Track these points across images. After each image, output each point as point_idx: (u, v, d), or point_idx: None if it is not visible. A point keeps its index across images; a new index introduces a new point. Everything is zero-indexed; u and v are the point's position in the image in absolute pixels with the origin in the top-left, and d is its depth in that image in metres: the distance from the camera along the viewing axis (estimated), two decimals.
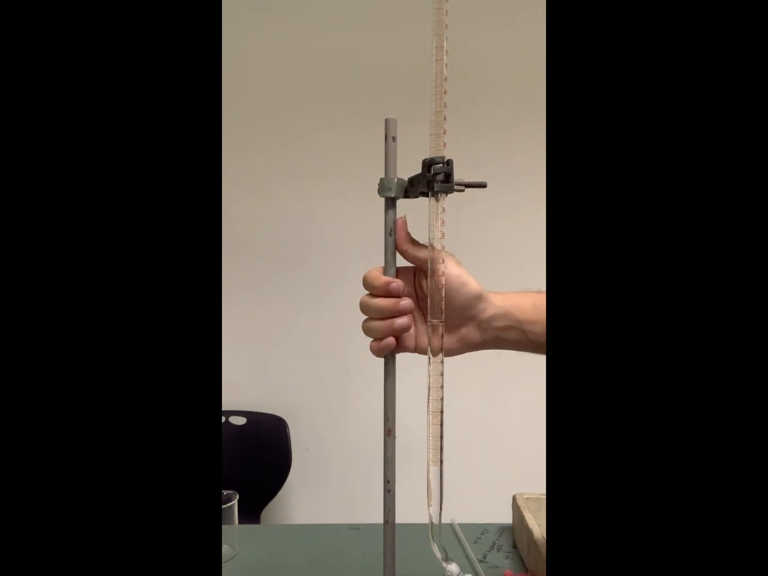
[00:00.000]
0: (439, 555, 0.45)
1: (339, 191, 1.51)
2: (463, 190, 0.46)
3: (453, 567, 0.45)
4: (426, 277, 0.46)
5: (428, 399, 0.45)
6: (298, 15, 1.48)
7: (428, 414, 0.45)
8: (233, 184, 1.44)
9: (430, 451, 0.45)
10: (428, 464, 0.45)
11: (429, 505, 0.45)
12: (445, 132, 0.43)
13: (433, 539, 0.45)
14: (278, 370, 1.57)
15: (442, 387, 0.44)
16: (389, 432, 0.48)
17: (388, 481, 0.48)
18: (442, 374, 0.45)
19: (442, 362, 0.45)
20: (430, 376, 0.44)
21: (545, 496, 0.36)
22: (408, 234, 0.48)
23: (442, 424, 0.45)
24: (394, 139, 0.46)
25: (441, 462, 0.45)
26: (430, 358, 0.45)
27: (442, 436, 0.45)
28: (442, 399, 0.45)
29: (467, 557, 0.73)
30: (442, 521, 0.46)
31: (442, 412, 0.45)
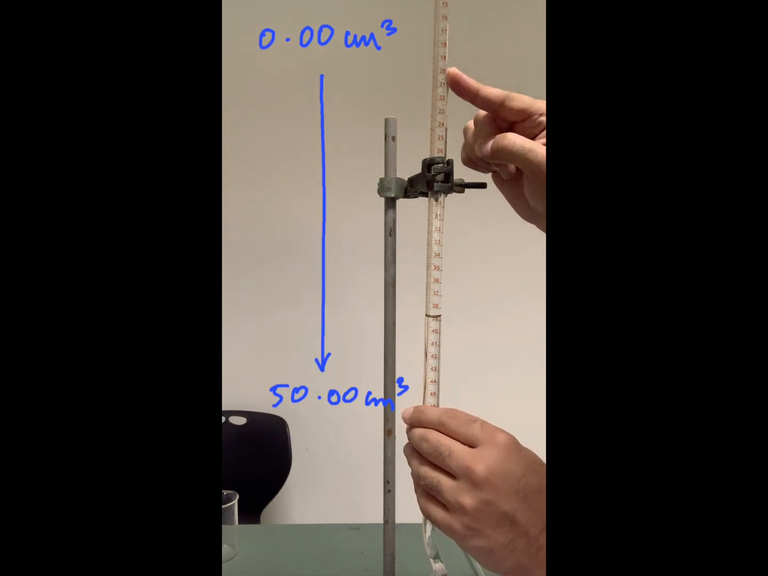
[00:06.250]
0: (429, 552, 0.45)
1: (339, 191, 1.51)
2: (462, 191, 0.46)
3: (439, 566, 0.45)
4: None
5: (424, 392, 0.44)
6: (298, 14, 1.48)
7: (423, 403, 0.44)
8: (233, 183, 1.44)
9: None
10: None
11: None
12: (441, 125, 0.43)
13: (425, 536, 0.45)
14: (278, 370, 1.57)
15: (435, 370, 0.44)
16: (389, 432, 0.48)
17: (388, 481, 0.48)
18: (434, 352, 0.44)
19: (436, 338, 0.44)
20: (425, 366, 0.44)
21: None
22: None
23: None
24: (394, 139, 0.46)
25: None
26: (426, 351, 0.44)
27: None
28: (436, 394, 0.44)
29: (467, 557, 0.73)
30: None
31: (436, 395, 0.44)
